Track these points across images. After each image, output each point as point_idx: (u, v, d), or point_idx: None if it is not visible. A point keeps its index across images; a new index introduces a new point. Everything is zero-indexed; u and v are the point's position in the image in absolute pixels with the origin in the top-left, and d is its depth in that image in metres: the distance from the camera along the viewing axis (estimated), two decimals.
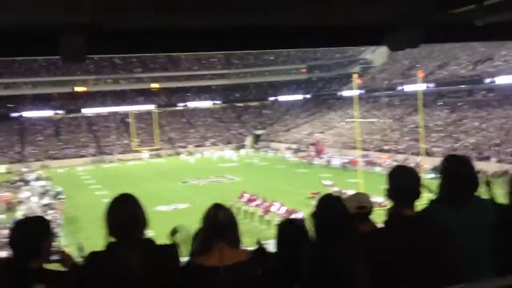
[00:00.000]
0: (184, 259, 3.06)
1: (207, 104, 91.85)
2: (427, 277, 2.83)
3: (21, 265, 2.76)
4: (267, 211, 29.39)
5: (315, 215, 3.04)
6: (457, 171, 3.21)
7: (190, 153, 73.77)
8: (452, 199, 3.15)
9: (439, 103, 62.95)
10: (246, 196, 32.50)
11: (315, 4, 3.61)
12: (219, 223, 2.87)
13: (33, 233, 2.84)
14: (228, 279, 2.77)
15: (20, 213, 35.92)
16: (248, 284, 2.85)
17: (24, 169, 59.91)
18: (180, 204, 36.73)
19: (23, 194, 43.55)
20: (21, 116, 79.87)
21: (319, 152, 59.86)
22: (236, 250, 2.90)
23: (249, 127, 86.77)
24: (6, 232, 29.07)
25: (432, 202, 3.28)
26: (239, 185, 41.21)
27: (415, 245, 2.86)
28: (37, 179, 52.53)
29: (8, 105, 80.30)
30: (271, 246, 4.62)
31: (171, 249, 2.98)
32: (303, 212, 26.27)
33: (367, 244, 2.94)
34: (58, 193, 41.98)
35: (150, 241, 2.91)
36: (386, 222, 3.09)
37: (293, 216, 26.64)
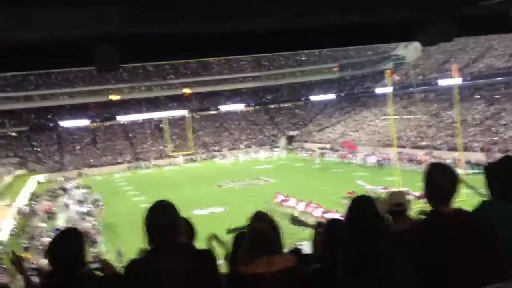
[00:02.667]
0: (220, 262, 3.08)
1: (239, 107, 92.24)
2: (467, 275, 2.78)
3: (71, 274, 2.87)
4: (303, 212, 29.32)
5: (347, 218, 3.04)
6: (506, 171, 3.18)
7: (225, 157, 74.20)
8: (502, 196, 3.12)
9: (476, 97, 61.60)
10: (281, 197, 32.50)
11: (345, 1, 3.58)
12: (264, 234, 2.89)
13: (75, 245, 2.96)
14: (275, 285, 2.80)
15: (60, 221, 36.80)
16: None
17: (62, 178, 61.40)
18: (216, 207, 36.97)
19: (63, 202, 44.60)
20: (59, 126, 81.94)
21: (351, 151, 59.87)
22: (281, 257, 2.93)
23: (282, 129, 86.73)
24: (47, 240, 29.86)
25: (483, 202, 3.26)
26: (274, 186, 41.18)
27: (452, 243, 2.82)
28: (76, 187, 53.74)
29: (46, 116, 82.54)
30: (306, 247, 4.60)
31: (209, 254, 3.00)
32: (339, 212, 26.08)
33: (406, 241, 2.93)
34: (97, 200, 42.76)
35: (188, 246, 2.95)
36: (422, 221, 3.07)
37: (328, 215, 26.53)
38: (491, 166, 3.33)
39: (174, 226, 2.87)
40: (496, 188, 3.22)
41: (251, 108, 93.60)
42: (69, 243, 2.96)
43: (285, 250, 3.39)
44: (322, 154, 63.56)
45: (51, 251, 2.98)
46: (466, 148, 45.33)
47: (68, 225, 33.52)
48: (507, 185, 3.16)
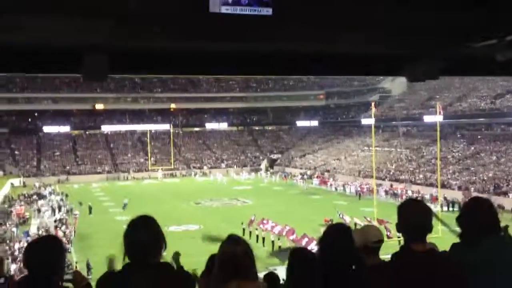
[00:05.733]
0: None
1: (224, 126, 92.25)
2: None
3: (44, 283, 2.74)
4: (279, 235, 29.20)
5: (321, 245, 2.98)
6: (475, 213, 3.15)
7: (205, 174, 73.89)
8: (471, 239, 3.09)
9: (457, 135, 62.51)
10: (258, 219, 32.34)
11: (336, 32, 3.63)
12: (237, 259, 2.73)
13: (50, 253, 2.81)
14: None
15: (33, 227, 36.14)
16: None
17: (37, 184, 60.43)
18: (192, 225, 36.66)
19: (37, 208, 43.82)
20: (40, 130, 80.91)
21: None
22: (253, 283, 2.78)
23: (265, 151, 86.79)
24: (17, 245, 29.23)
25: (455, 244, 3.22)
26: (252, 208, 41.01)
27: (421, 282, 2.76)
28: (52, 193, 52.93)
29: (28, 119, 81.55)
30: (281, 272, 4.57)
31: (188, 275, 2.89)
32: (314, 238, 26.02)
33: (376, 277, 2.89)
34: (72, 209, 42.07)
35: (166, 266, 2.81)
36: (393, 256, 3.02)
37: (303, 241, 26.44)
38: (462, 209, 3.30)
39: (153, 244, 2.74)
40: (462, 230, 3.21)
41: (235, 128, 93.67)
42: (48, 251, 2.81)
43: (260, 273, 3.32)
44: (302, 180, 63.54)
45: (26, 256, 2.86)
46: (444, 185, 45.75)
47: (40, 232, 32.92)
48: (469, 230, 3.15)
